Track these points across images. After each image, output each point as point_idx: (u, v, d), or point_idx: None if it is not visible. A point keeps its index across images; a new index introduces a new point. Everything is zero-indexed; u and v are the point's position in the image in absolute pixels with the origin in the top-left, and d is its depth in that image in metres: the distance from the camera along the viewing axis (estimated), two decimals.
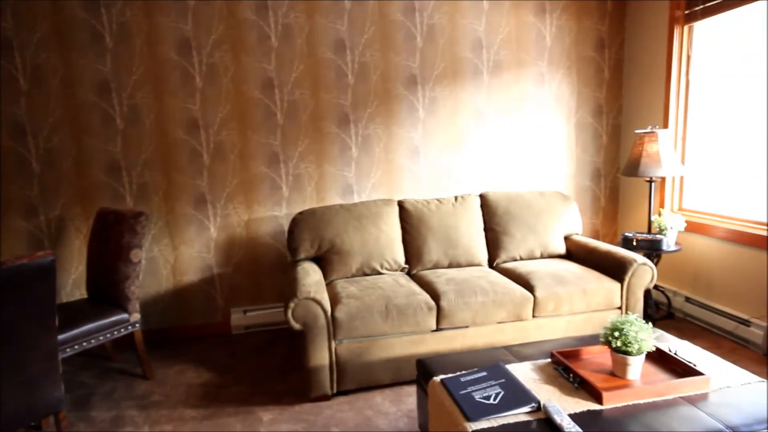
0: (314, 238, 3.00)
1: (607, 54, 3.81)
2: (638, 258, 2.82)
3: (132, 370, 2.96)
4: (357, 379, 2.53)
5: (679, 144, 3.44)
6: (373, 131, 3.51)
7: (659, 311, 3.45)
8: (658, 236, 3.13)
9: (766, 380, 1.76)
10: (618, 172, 3.94)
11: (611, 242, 4.00)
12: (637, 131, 3.29)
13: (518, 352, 2.05)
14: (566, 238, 3.33)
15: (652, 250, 3.13)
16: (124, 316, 2.68)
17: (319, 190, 3.50)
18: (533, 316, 2.73)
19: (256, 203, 3.42)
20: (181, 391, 2.68)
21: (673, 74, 3.38)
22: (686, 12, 3.30)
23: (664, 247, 3.11)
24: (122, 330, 2.68)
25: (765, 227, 2.89)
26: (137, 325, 2.76)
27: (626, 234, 3.25)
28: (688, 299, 3.32)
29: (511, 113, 3.70)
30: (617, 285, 2.81)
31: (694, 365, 1.78)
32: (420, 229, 3.11)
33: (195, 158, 3.29)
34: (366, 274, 2.98)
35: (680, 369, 1.79)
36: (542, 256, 3.22)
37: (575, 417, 1.57)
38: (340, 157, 3.49)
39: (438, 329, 2.61)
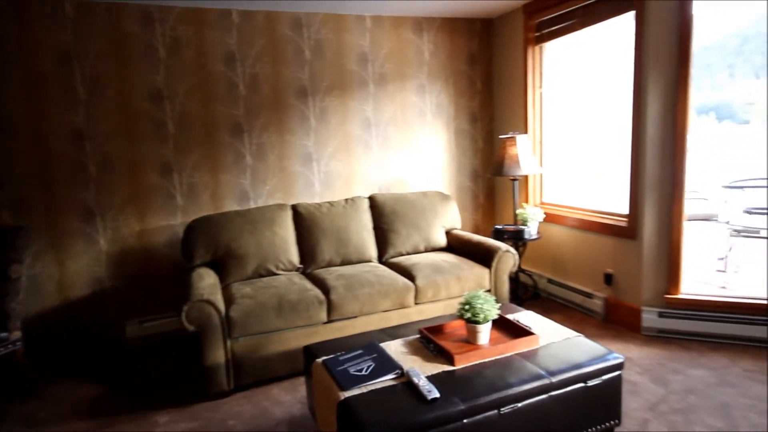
0: (209, 243, 3.09)
1: (478, 68, 4.29)
2: (503, 246, 3.26)
3: (16, 390, 2.85)
4: (254, 373, 2.67)
5: (537, 147, 3.99)
6: (266, 140, 3.67)
7: (527, 292, 3.96)
8: (522, 227, 3.62)
9: (581, 335, 2.19)
10: (489, 173, 4.43)
11: (488, 235, 4.48)
12: (501, 136, 3.77)
13: (393, 332, 2.33)
14: (447, 233, 3.72)
15: (518, 239, 3.61)
16: (4, 334, 2.60)
17: (216, 198, 3.58)
18: (415, 303, 3.05)
19: (149, 213, 3.42)
20: (70, 407, 2.65)
21: (529, 87, 3.92)
22: (536, 34, 3.85)
23: (527, 236, 3.60)
24: (2, 349, 2.60)
25: (602, 216, 3.46)
26: (18, 343, 2.68)
27: (497, 226, 3.71)
28: (549, 280, 3.85)
29: (396, 121, 4.04)
30: (486, 271, 3.23)
31: (529, 328, 2.17)
32: (313, 230, 3.32)
33: (80, 171, 3.24)
34: (262, 276, 3.13)
35: (518, 332, 2.17)
36: (426, 250, 3.58)
37: (432, 378, 1.87)
38: (234, 165, 3.60)
39: (329, 321, 2.83)
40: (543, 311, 3.58)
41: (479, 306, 2.06)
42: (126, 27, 3.25)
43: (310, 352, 2.19)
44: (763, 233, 3.57)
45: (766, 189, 3.86)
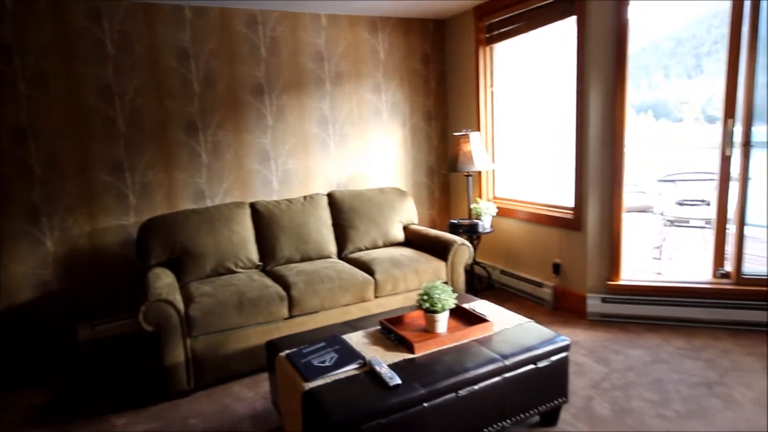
0: (165, 243, 3.05)
1: (432, 68, 4.41)
2: (458, 240, 3.39)
3: None
4: (215, 372, 2.67)
5: (489, 144, 4.15)
6: (223, 138, 3.63)
7: (482, 283, 4.12)
8: (476, 221, 3.77)
9: (532, 320, 2.33)
10: (445, 170, 4.57)
11: (444, 229, 4.62)
12: (455, 134, 3.90)
13: (355, 325, 2.39)
14: (405, 228, 3.82)
15: (472, 232, 3.75)
16: None
17: (170, 197, 3.52)
18: (375, 297, 3.12)
19: (100, 213, 3.32)
20: (22, 414, 2.56)
21: (481, 86, 4.07)
22: (487, 36, 4.00)
23: (481, 230, 3.75)
24: None
25: (550, 209, 3.66)
26: None
27: (452, 221, 3.84)
28: (503, 271, 4.02)
29: (353, 119, 4.10)
30: (443, 263, 3.34)
31: (484, 316, 2.29)
32: (272, 228, 3.33)
33: (24, 171, 3.10)
34: (221, 274, 3.11)
35: (474, 320, 2.29)
36: (384, 245, 3.66)
37: (393, 365, 1.95)
38: (190, 163, 3.55)
39: (290, 317, 2.86)
40: (497, 301, 3.74)
41: (437, 296, 2.16)
42: (72, 21, 3.13)
43: (273, 346, 2.22)
44: (693, 223, 3.88)
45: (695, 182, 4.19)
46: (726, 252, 3.12)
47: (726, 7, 2.88)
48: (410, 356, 2.02)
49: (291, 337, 2.32)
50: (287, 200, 3.51)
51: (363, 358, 1.98)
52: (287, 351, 2.11)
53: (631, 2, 3.01)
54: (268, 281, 2.96)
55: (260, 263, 3.29)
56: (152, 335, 2.53)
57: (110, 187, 3.33)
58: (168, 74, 3.42)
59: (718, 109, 3.02)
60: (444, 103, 4.51)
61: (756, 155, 2.97)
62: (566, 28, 3.42)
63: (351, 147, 4.12)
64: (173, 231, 3.07)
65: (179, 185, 3.53)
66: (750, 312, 2.98)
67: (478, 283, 4.08)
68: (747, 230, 3.06)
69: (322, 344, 2.13)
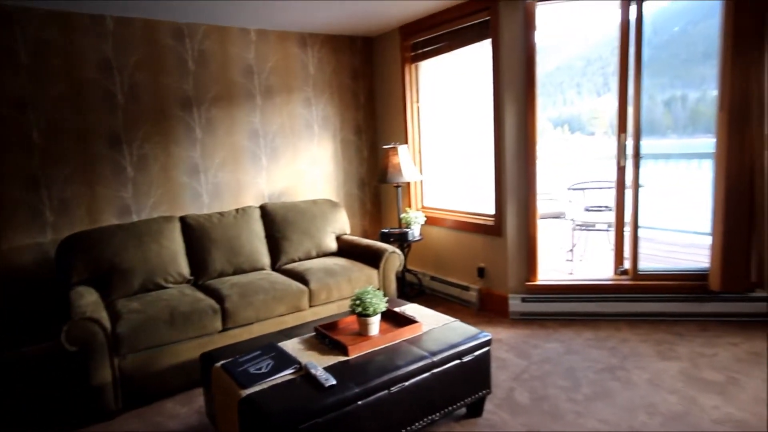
0: (88, 260, 2.93)
1: (361, 83, 4.58)
2: (389, 248, 3.54)
3: None
4: (147, 390, 2.60)
5: (417, 156, 4.36)
6: (149, 151, 3.55)
7: (413, 289, 4.30)
8: (406, 230, 3.94)
9: (457, 320, 2.50)
10: (375, 181, 4.74)
11: (376, 239, 4.76)
12: (383, 147, 4.08)
13: (290, 333, 2.45)
14: (338, 238, 3.91)
15: (402, 241, 3.92)
16: None
17: (92, 213, 3.38)
18: (310, 306, 3.19)
19: (11, 231, 3.13)
20: None
21: (407, 101, 4.29)
22: (412, 54, 4.23)
23: (410, 238, 3.93)
24: None
25: (474, 216, 3.91)
26: None
27: (383, 230, 3.99)
28: (432, 277, 4.23)
29: (284, 132, 4.15)
30: (375, 271, 3.48)
31: (414, 318, 2.44)
32: (203, 241, 3.30)
33: None
34: (150, 290, 3.04)
35: (404, 322, 2.42)
36: (318, 255, 3.73)
37: (328, 368, 2.03)
38: (114, 178, 3.43)
39: (225, 329, 2.86)
40: (428, 305, 3.87)
41: (369, 300, 2.27)
42: None
43: (208, 358, 2.23)
44: (598, 226, 4.30)
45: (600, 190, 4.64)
46: (625, 251, 3.51)
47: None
48: (345, 358, 2.12)
49: (226, 348, 2.33)
50: (219, 213, 3.50)
51: (299, 363, 2.05)
52: (223, 361, 2.13)
53: (536, 30, 3.35)
54: (201, 295, 2.93)
55: (191, 277, 3.25)
56: (74, 356, 2.43)
57: (24, 204, 3.15)
58: (89, 86, 3.31)
59: (660, 119, 3.41)
60: (373, 117, 4.68)
61: (645, 165, 3.39)
62: (485, 49, 3.71)
63: (283, 160, 4.16)
64: (97, 247, 2.96)
65: (102, 200, 3.40)
66: (645, 304, 3.36)
67: (410, 290, 4.25)
68: (641, 232, 3.46)
69: (258, 352, 2.17)
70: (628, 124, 3.34)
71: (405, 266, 3.99)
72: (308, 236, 3.68)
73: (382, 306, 2.32)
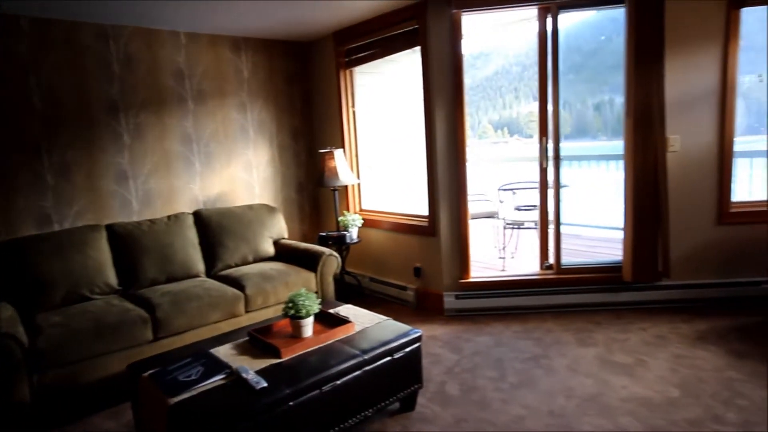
0: (5, 274, 2.77)
1: (297, 88, 4.59)
2: (326, 251, 3.58)
3: None
4: (73, 406, 2.50)
5: (354, 160, 4.43)
6: (71, 158, 3.40)
7: (353, 291, 4.35)
8: (344, 233, 4.00)
9: (390, 318, 2.59)
10: (312, 185, 4.77)
11: (315, 242, 4.79)
12: (320, 151, 4.11)
13: (224, 339, 2.44)
14: (275, 243, 3.91)
15: (340, 243, 3.97)
16: None
17: (8, 224, 3.19)
18: (246, 312, 3.17)
19: None
20: None
21: (343, 106, 4.35)
22: (346, 59, 4.30)
23: (348, 240, 3.99)
24: None
25: (409, 218, 4.03)
26: None
27: (321, 234, 4.03)
28: (371, 279, 4.31)
29: (218, 137, 4.09)
30: (313, 274, 3.51)
31: (347, 318, 2.50)
32: (133, 250, 3.21)
33: None
34: (74, 302, 2.91)
35: (338, 322, 2.48)
36: (255, 261, 3.71)
37: (260, 371, 2.05)
38: (31, 186, 3.26)
39: (156, 339, 2.79)
40: (367, 306, 3.93)
41: (301, 303, 2.31)
42: None
43: (136, 368, 2.18)
44: (527, 225, 4.55)
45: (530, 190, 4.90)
46: (549, 247, 3.74)
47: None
48: (277, 361, 2.14)
49: (155, 357, 2.29)
50: (149, 221, 3.40)
51: (230, 367, 2.05)
52: (151, 371, 2.10)
53: (463, 40, 3.51)
54: (129, 305, 2.85)
55: (120, 288, 3.14)
56: None
57: None
58: (2, 90, 3.13)
59: (582, 124, 3.63)
60: (310, 122, 4.70)
61: (571, 166, 3.64)
62: (418, 56, 3.84)
63: (218, 165, 4.10)
64: (12, 259, 2.81)
65: (19, 210, 3.22)
66: (568, 296, 3.60)
67: (350, 291, 4.30)
68: (567, 229, 3.71)
69: (188, 360, 2.15)
70: (549, 128, 3.57)
71: (344, 268, 4.04)
72: (245, 242, 3.66)
73: (315, 308, 2.36)
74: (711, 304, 3.48)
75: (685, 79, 3.37)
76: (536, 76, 3.56)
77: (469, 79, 3.65)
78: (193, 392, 1.91)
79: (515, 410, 2.40)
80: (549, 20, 3.44)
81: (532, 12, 3.52)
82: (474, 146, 10.81)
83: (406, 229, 4.00)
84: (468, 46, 3.53)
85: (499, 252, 4.74)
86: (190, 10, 3.33)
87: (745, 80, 4.20)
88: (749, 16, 3.37)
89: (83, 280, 2.95)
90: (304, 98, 4.65)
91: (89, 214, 3.48)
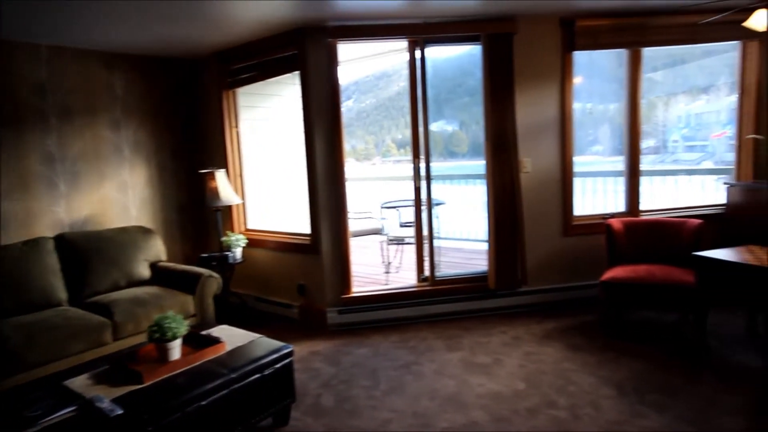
0: None
1: (177, 106, 4.48)
2: (205, 272, 3.53)
3: None
4: None
5: (238, 180, 4.42)
6: None
7: (238, 312, 4.30)
8: (227, 253, 3.96)
9: (263, 336, 2.64)
10: (194, 206, 4.66)
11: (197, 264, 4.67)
12: (201, 171, 4.06)
13: (83, 369, 2.31)
14: (153, 266, 3.76)
15: (223, 264, 3.93)
16: None
17: None
18: (115, 339, 3.02)
19: None
20: None
21: (226, 126, 4.34)
22: (229, 80, 4.31)
23: (231, 261, 3.96)
24: None
25: (293, 237, 4.10)
26: None
27: (203, 255, 3.96)
28: (257, 298, 4.30)
29: (87, 156, 3.87)
30: (190, 297, 3.44)
31: (218, 338, 2.51)
32: None
33: None
34: None
35: (208, 343, 2.48)
36: (128, 285, 3.54)
37: (118, 398, 1.99)
38: None
39: (8, 376, 2.56)
40: (251, 326, 3.94)
41: (167, 325, 2.28)
42: None
43: None
44: (408, 240, 4.83)
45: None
46: (425, 261, 4.02)
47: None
48: (139, 387, 2.10)
49: (1, 394, 2.12)
50: (0, 247, 3.12)
51: (83, 398, 1.97)
52: None
53: (339, 66, 3.71)
54: None
55: None
56: None
57: None
58: None
59: (455, 146, 3.91)
60: (192, 141, 4.60)
61: (453, 185, 3.96)
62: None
63: (87, 186, 3.87)
64: None
65: None
66: (442, 305, 3.89)
67: (234, 312, 4.24)
68: (449, 243, 4.02)
69: (37, 394, 2.02)
70: (420, 150, 3.87)
71: (228, 289, 3.99)
72: (116, 266, 3.48)
73: (183, 330, 2.34)
74: (560, 305, 3.96)
75: (533, 109, 3.85)
76: (434, 98, 3.84)
77: (373, 99, 3.86)
78: (38, 427, 1.81)
79: (383, 415, 2.56)
80: (418, 52, 3.76)
81: (403, 44, 3.83)
82: (378, 164, 11.19)
83: (290, 247, 4.06)
84: (368, 68, 3.74)
85: (385, 267, 4.97)
86: (51, 21, 3.16)
87: (599, 108, 4.90)
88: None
89: None
90: (186, 117, 4.55)
91: None
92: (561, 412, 2.46)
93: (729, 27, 3.37)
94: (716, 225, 3.90)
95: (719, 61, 4.29)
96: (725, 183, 3.95)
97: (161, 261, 3.85)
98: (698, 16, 3.31)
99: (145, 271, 3.66)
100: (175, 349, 2.33)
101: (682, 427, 2.28)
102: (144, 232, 3.80)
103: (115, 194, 4.05)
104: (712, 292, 2.98)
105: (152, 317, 3.15)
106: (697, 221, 3.47)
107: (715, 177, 4.71)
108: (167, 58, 4.37)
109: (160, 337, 2.27)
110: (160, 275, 3.69)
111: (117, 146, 4.07)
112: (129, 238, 3.67)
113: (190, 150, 4.59)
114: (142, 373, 2.13)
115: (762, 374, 2.73)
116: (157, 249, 3.82)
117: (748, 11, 2.83)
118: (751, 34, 3.20)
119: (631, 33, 3.78)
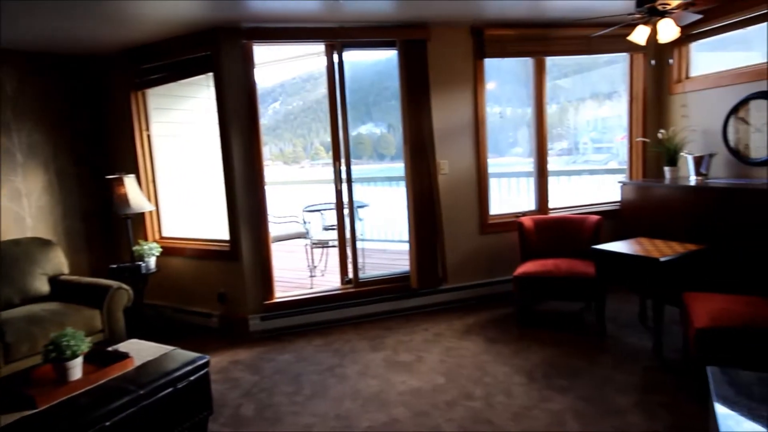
0: None
1: (80, 108, 4.16)
2: (114, 284, 3.31)
3: None
4: None
5: (150, 185, 4.19)
6: None
7: (153, 325, 4.07)
8: (139, 263, 3.74)
9: (176, 348, 2.52)
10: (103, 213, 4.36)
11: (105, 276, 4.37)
12: (107, 177, 3.80)
13: None
14: (52, 280, 3.47)
15: (136, 275, 3.71)
16: None
17: None
18: (7, 363, 2.75)
19: None
20: None
21: (136, 129, 4.10)
22: (138, 81, 4.07)
23: (144, 271, 3.75)
24: None
25: (211, 243, 3.96)
26: None
27: (112, 266, 3.71)
28: (175, 309, 4.09)
29: None
30: (97, 311, 3.21)
31: (126, 353, 2.36)
32: None
33: None
34: None
35: (114, 359, 2.33)
36: (22, 303, 3.24)
37: (7, 427, 1.82)
38: None
39: None
40: (169, 338, 3.72)
41: (65, 343, 2.11)
42: None
43: None
44: (332, 243, 4.83)
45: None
46: (348, 263, 4.04)
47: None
48: (31, 412, 1.93)
49: None
50: None
51: None
52: None
53: (256, 68, 3.64)
54: None
55: None
56: None
57: None
58: None
59: (384, 149, 3.92)
60: (98, 145, 4.30)
61: (376, 186, 3.98)
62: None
63: None
64: None
65: None
66: (366, 306, 3.93)
67: (149, 325, 4.02)
68: (369, 245, 4.05)
69: None
70: (341, 153, 3.89)
71: (141, 301, 3.77)
72: (7, 282, 3.18)
73: (84, 347, 2.19)
74: (479, 301, 4.14)
75: (448, 113, 4.00)
76: (364, 101, 3.83)
77: (300, 102, 3.79)
78: None
79: (306, 420, 2.54)
80: (336, 56, 3.78)
81: (321, 47, 3.82)
82: (307, 167, 11.06)
83: (209, 254, 3.92)
84: (293, 70, 3.67)
85: (310, 271, 4.93)
86: None
87: (518, 112, 5.14)
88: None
89: None
90: (91, 119, 4.24)
91: None
92: (476, 403, 2.57)
93: (617, 40, 3.70)
94: (614, 220, 4.26)
95: (619, 70, 4.68)
96: (619, 182, 4.32)
97: (63, 274, 3.56)
98: (592, 29, 3.60)
99: (43, 287, 3.37)
100: (76, 369, 2.17)
101: (580, 406, 2.47)
102: (41, 243, 3.49)
103: (8, 203, 3.69)
104: (609, 281, 3.25)
105: (51, 336, 2.93)
106: (597, 217, 3.77)
107: (615, 176, 5.15)
108: (69, 56, 4.05)
109: (57, 356, 2.10)
110: (61, 290, 3.41)
111: (8, 150, 3.71)
112: (22, 251, 3.36)
113: (96, 154, 4.29)
114: (35, 397, 1.96)
115: (649, 355, 3.02)
116: (58, 261, 3.53)
117: (633, 26, 3.13)
118: (636, 47, 3.53)
119: (535, 43, 4.04)
